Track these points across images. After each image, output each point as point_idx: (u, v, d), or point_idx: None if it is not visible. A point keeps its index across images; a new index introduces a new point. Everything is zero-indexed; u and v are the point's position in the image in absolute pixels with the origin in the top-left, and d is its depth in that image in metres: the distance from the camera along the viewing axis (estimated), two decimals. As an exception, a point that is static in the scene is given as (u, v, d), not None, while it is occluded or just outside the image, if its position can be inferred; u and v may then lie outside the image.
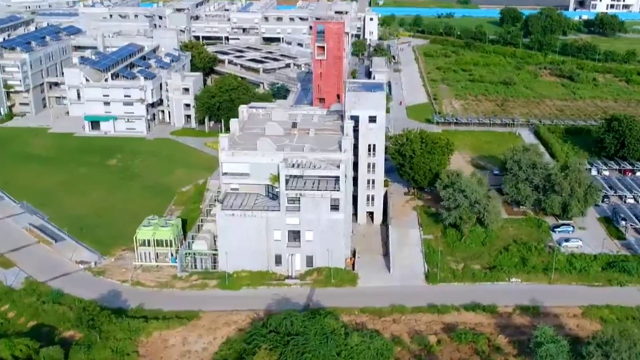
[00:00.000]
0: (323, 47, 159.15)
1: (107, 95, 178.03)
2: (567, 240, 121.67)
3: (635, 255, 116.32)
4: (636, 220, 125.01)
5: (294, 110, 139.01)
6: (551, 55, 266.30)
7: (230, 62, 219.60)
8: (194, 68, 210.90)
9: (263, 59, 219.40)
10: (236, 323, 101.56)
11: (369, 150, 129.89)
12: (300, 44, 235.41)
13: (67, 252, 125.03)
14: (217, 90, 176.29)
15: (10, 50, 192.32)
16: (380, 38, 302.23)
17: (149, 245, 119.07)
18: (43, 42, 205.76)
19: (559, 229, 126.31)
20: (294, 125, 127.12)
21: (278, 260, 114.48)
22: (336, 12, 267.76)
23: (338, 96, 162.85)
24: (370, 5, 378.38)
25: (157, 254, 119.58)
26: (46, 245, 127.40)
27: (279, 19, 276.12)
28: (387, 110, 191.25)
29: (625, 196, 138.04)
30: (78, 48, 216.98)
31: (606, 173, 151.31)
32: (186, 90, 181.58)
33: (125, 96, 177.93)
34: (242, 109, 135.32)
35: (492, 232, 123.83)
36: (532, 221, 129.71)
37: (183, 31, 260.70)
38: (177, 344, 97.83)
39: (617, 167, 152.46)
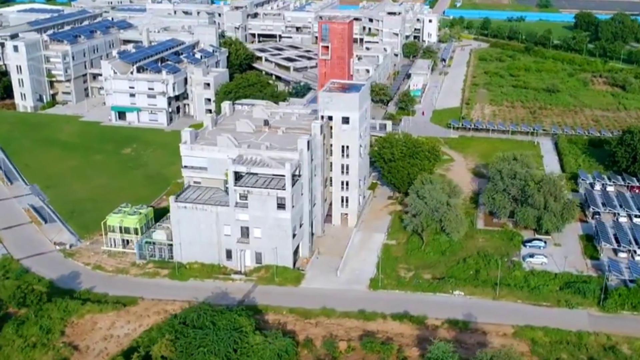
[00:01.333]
0: (327, 47, 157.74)
1: (133, 87, 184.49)
2: (531, 256, 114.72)
3: (601, 277, 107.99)
4: (613, 241, 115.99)
5: (276, 108, 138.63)
6: (611, 63, 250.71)
7: (266, 59, 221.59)
8: (230, 64, 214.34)
9: (298, 57, 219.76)
10: (167, 312, 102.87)
11: (343, 151, 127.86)
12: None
13: (52, 233, 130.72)
14: (234, 86, 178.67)
15: (57, 42, 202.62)
16: (440, 40, 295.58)
17: (116, 231, 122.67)
18: (90, 35, 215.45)
19: (530, 244, 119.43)
20: (266, 123, 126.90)
21: (229, 255, 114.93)
22: (389, 13, 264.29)
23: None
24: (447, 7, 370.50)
25: (125, 240, 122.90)
26: (36, 226, 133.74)
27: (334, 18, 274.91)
28: (410, 113, 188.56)
29: (618, 214, 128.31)
30: (126, 42, 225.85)
31: (610, 189, 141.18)
32: (207, 85, 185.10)
33: (149, 89, 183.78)
34: (225, 104, 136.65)
35: (456, 242, 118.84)
36: (506, 234, 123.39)
37: (238, 28, 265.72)
38: (104, 327, 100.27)
39: (624, 183, 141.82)
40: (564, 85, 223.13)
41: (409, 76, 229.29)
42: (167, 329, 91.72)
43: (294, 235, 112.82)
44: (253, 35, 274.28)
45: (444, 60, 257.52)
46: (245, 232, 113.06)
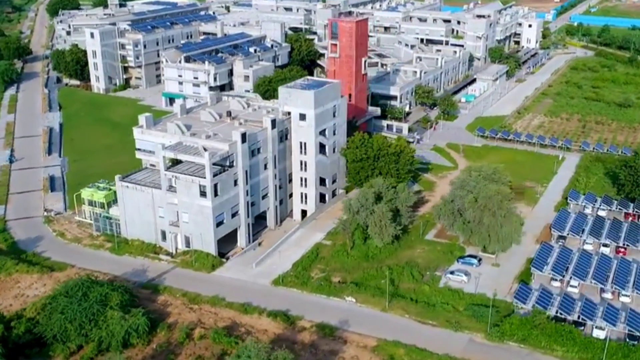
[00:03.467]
0: (336, 45, 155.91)
1: (181, 76, 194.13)
2: (452, 272, 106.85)
3: (508, 303, 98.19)
4: (547, 268, 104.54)
5: (253, 101, 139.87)
6: None
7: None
8: (292, 60, 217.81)
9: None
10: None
11: (301, 148, 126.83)
12: (412, 46, 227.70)
13: (50, 201, 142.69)
14: (271, 79, 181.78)
15: (133, 31, 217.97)
16: (543, 47, 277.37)
17: (87, 204, 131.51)
18: (169, 26, 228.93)
19: (463, 260, 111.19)
20: (229, 114, 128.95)
21: (163, 236, 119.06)
22: (478, 16, 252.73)
23: (350, 95, 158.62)
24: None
25: (95, 213, 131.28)
26: (43, 193, 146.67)
27: (423, 19, 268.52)
28: (451, 118, 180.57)
29: (584, 241, 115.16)
30: (206, 34, 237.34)
31: (602, 213, 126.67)
32: (247, 77, 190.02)
33: (194, 78, 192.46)
34: (209, 94, 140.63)
35: (385, 249, 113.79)
36: (450, 247, 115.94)
37: (327, 26, 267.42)
38: (22, 287, 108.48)
39: (614, 208, 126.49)
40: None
41: (475, 80, 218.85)
42: (56, 295, 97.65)
43: (218, 224, 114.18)
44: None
45: (519, 65, 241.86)
46: (175, 215, 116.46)
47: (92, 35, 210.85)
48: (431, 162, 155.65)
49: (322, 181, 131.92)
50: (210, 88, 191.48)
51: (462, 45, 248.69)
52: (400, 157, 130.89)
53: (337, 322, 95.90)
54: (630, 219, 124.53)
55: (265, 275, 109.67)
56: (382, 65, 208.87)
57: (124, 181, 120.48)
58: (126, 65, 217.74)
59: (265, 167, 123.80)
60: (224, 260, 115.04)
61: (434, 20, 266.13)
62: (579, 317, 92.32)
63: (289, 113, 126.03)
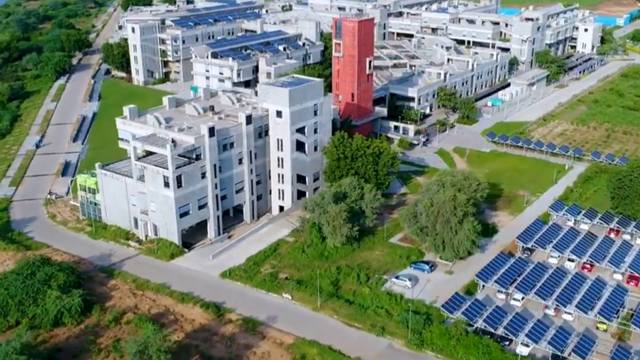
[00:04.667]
0: (340, 44, 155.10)
1: (208, 71, 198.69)
2: (397, 277, 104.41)
3: (437, 311, 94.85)
4: (493, 280, 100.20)
5: (245, 97, 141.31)
6: None
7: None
8: (325, 58, 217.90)
9: (384, 57, 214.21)
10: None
11: (278, 144, 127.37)
12: (447, 48, 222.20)
13: (58, 185, 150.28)
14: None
15: (174, 27, 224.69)
16: (600, 53, 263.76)
17: (80, 190, 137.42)
18: (209, 23, 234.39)
19: (415, 265, 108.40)
20: (211, 108, 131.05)
21: (135, 223, 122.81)
22: (526, 19, 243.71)
23: (352, 95, 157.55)
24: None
25: (84, 198, 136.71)
26: (54, 177, 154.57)
27: (471, 21, 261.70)
28: (470, 122, 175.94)
29: (549, 254, 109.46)
30: (246, 31, 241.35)
31: (584, 227, 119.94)
32: (269, 74, 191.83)
33: (220, 73, 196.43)
34: (201, 89, 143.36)
35: (342, 249, 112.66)
36: (409, 251, 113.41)
37: (375, 25, 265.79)
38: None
39: (595, 223, 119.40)
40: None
41: (509, 85, 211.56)
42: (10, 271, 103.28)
43: (183, 214, 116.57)
44: (392, 33, 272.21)
45: (566, 71, 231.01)
46: (145, 204, 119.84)
47: (133, 30, 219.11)
48: (429, 165, 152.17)
49: (302, 179, 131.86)
50: (234, 84, 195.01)
51: (508, 49, 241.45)
52: (380, 159, 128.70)
53: (265, 318, 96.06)
54: (613, 234, 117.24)
55: (218, 267, 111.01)
56: (411, 66, 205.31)
57: (103, 169, 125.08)
58: (165, 59, 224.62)
59: (240, 162, 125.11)
60: (186, 250, 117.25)
61: (482, 22, 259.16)
62: (504, 332, 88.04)
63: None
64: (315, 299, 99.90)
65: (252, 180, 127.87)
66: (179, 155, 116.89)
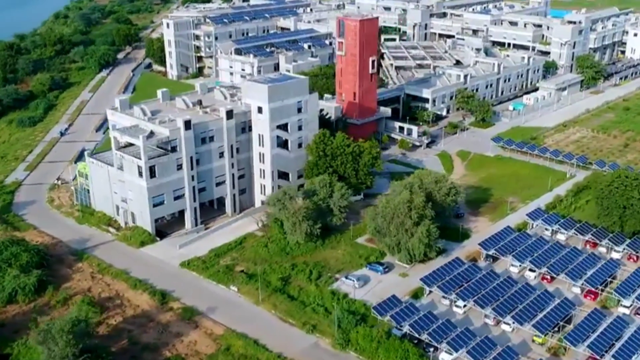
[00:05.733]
0: (343, 43, 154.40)
1: (232, 67, 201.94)
2: (346, 277, 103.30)
3: (383, 314, 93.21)
4: (437, 285, 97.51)
5: (240, 93, 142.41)
6: None
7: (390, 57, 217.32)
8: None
9: (411, 57, 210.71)
10: (35, 241, 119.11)
11: (260, 140, 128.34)
12: (477, 49, 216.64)
13: (68, 172, 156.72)
14: (307, 74, 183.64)
15: (208, 24, 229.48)
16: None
17: (79, 176, 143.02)
18: (245, 20, 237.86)
19: (370, 265, 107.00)
20: (200, 102, 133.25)
21: (117, 210, 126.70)
22: (568, 22, 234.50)
23: (354, 94, 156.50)
24: None
25: (80, 184, 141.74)
26: (69, 164, 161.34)
27: (513, 23, 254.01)
28: (485, 125, 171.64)
29: (511, 263, 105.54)
30: (282, 28, 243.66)
31: (561, 237, 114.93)
32: (288, 72, 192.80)
33: (242, 69, 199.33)
34: (198, 84, 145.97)
35: (304, 246, 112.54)
36: (371, 251, 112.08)
37: (415, 25, 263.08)
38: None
39: (576, 234, 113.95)
40: None
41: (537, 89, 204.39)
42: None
43: (157, 204, 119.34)
44: (433, 34, 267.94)
45: (608, 77, 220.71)
46: (125, 192, 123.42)
47: (167, 25, 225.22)
48: (425, 167, 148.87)
49: (285, 175, 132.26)
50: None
51: (548, 52, 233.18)
52: (360, 158, 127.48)
53: (205, 308, 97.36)
54: (589, 246, 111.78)
55: (181, 257, 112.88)
56: (434, 67, 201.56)
57: (91, 157, 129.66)
58: (199, 55, 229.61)
59: (221, 156, 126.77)
60: (158, 239, 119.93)
61: (525, 24, 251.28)
62: (427, 338, 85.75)
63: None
64: (256, 292, 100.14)
65: (233, 174, 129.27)
66: (158, 147, 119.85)
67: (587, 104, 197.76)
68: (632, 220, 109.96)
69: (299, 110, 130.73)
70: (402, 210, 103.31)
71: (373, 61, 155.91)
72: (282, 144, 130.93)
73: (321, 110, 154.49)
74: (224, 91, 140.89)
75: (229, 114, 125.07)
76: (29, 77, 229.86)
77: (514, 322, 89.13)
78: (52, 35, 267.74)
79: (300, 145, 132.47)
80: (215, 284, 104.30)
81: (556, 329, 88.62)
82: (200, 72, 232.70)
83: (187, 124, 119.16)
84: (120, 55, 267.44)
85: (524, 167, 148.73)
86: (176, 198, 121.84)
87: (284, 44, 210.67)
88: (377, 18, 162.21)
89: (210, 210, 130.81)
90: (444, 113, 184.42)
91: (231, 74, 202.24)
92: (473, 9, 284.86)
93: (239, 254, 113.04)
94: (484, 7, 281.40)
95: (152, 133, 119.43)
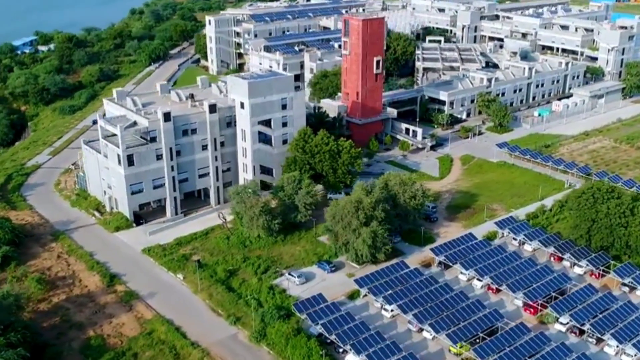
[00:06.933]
0: (347, 43, 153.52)
1: (261, 64, 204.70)
2: (289, 273, 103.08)
3: (302, 312, 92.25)
4: (367, 288, 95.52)
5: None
6: None
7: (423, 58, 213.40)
8: (386, 59, 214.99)
9: (442, 59, 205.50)
10: (24, 220, 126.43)
11: (242, 134, 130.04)
12: (513, 53, 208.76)
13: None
14: (324, 74, 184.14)
15: (248, 21, 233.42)
16: None
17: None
18: (287, 18, 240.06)
19: (319, 263, 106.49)
20: (192, 96, 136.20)
21: (105, 196, 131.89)
22: (620, 27, 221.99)
23: (357, 93, 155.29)
24: None
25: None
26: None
27: (564, 27, 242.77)
28: (500, 131, 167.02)
29: (461, 272, 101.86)
30: (324, 28, 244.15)
31: (528, 248, 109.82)
32: (311, 70, 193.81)
33: (270, 66, 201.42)
34: (199, 79, 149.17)
35: (267, 240, 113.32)
36: (328, 249, 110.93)
37: (464, 27, 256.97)
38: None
39: (539, 246, 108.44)
40: None
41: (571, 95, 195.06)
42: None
43: (135, 192, 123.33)
44: (482, 37, 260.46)
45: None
46: (110, 179, 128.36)
47: (209, 22, 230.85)
48: (419, 170, 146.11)
49: (268, 170, 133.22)
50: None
51: (596, 58, 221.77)
52: (340, 157, 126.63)
53: (146, 293, 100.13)
54: (554, 260, 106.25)
55: (148, 243, 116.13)
56: (463, 69, 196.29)
57: (86, 145, 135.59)
58: (239, 51, 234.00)
59: (205, 148, 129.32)
60: (134, 225, 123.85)
61: (576, 29, 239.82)
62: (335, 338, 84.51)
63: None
64: (197, 282, 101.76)
65: (217, 167, 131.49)
66: (141, 137, 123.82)
67: (622, 113, 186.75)
68: (599, 235, 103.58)
69: (284, 107, 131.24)
70: (349, 210, 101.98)
71: (378, 61, 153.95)
72: (267, 139, 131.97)
73: (320, 108, 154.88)
74: (220, 86, 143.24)
75: (212, 108, 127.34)
76: (82, 68, 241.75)
77: (431, 330, 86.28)
78: (112, 30, 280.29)
79: (285, 142, 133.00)
80: (166, 271, 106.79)
81: (476, 340, 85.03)
82: (240, 68, 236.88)
83: (167, 116, 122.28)
84: (175, 50, 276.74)
85: (524, 175, 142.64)
86: (156, 187, 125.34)
87: (316, 42, 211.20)
88: (383, 18, 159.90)
89: (197, 200, 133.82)
90: (464, 116, 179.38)
91: (260, 70, 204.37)
92: (522, 12, 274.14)
93: (200, 244, 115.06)
94: (536, 10, 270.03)
95: (134, 123, 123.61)
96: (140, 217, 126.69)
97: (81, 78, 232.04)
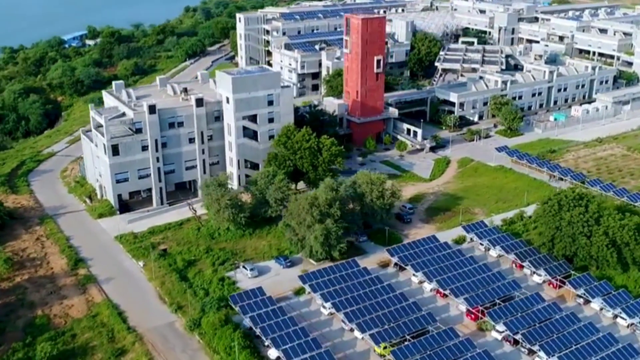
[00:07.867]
0: (348, 41, 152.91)
1: (282, 61, 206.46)
2: (243, 266, 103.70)
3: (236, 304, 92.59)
4: (311, 286, 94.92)
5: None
6: None
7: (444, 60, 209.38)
8: (410, 59, 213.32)
9: (464, 61, 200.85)
10: (19, 203, 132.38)
11: (228, 129, 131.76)
12: (539, 56, 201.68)
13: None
14: (338, 72, 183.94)
15: (277, 20, 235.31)
16: None
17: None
18: (318, 17, 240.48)
19: (277, 259, 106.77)
20: (185, 90, 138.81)
21: (97, 183, 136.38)
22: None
23: (357, 92, 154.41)
24: None
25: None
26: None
27: (603, 30, 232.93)
28: (510, 134, 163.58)
29: (413, 274, 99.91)
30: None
31: (493, 253, 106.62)
32: (328, 68, 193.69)
33: (289, 64, 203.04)
34: (199, 73, 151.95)
35: (236, 233, 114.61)
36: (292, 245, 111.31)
37: (500, 29, 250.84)
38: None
39: (501, 252, 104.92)
40: None
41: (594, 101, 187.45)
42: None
43: (120, 181, 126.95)
44: (520, 39, 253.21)
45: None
46: (100, 167, 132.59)
47: (239, 20, 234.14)
48: (411, 171, 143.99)
49: (255, 165, 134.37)
50: (299, 75, 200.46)
51: (632, 63, 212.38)
52: (320, 155, 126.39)
53: (104, 278, 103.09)
54: (516, 267, 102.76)
55: (122, 230, 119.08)
56: (482, 71, 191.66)
57: (84, 134, 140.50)
58: (268, 49, 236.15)
59: (192, 141, 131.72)
60: (117, 213, 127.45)
61: (614, 32, 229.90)
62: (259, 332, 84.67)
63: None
64: (160, 270, 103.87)
65: (204, 160, 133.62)
66: (129, 128, 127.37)
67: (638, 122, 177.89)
68: (561, 244, 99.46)
69: (270, 103, 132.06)
70: (303, 206, 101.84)
71: (379, 60, 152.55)
72: (253, 135, 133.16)
73: (316, 106, 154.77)
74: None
75: (199, 102, 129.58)
76: (121, 62, 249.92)
77: (357, 329, 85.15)
78: (157, 26, 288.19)
79: (272, 137, 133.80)
80: (130, 258, 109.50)
81: (403, 341, 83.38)
82: (269, 65, 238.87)
83: (152, 108, 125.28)
84: (215, 47, 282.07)
85: (518, 180, 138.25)
86: (141, 177, 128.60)
87: (338, 41, 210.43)
88: (384, 17, 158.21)
89: (187, 192, 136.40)
90: (475, 119, 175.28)
91: (281, 67, 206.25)
92: (562, 15, 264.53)
93: (172, 234, 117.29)
94: (575, 13, 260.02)
95: (123, 114, 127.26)
96: (128, 205, 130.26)
97: (117, 71, 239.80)
